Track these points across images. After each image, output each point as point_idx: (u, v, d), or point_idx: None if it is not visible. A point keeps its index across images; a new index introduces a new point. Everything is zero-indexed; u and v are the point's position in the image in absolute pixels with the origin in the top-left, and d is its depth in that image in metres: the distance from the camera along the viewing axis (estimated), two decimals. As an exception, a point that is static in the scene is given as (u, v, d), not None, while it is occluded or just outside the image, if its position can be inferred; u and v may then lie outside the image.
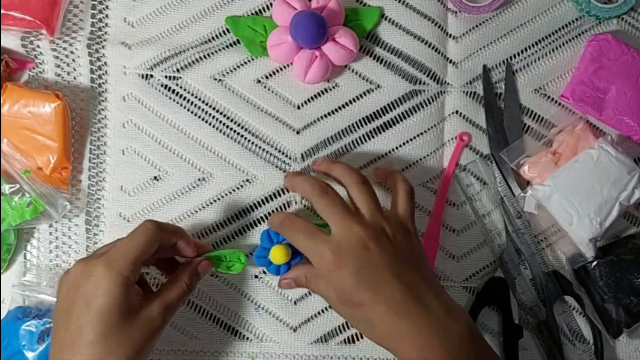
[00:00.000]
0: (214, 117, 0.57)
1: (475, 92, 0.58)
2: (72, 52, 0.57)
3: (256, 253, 0.52)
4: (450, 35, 0.58)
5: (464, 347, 0.44)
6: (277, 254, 0.51)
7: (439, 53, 0.58)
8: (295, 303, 0.57)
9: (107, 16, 0.57)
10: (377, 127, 0.58)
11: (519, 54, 0.58)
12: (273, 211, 0.57)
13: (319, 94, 0.58)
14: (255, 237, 0.57)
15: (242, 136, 0.57)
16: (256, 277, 0.57)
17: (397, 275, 0.45)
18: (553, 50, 0.59)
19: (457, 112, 0.58)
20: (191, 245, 0.50)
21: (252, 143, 0.57)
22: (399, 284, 0.45)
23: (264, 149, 0.57)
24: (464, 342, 0.44)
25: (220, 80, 0.57)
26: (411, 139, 0.58)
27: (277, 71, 0.57)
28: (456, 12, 0.58)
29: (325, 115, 0.58)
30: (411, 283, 0.45)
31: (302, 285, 0.50)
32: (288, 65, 0.57)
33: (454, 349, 0.44)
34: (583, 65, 0.56)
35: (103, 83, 0.57)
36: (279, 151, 0.57)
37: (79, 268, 0.45)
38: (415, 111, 0.58)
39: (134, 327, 0.44)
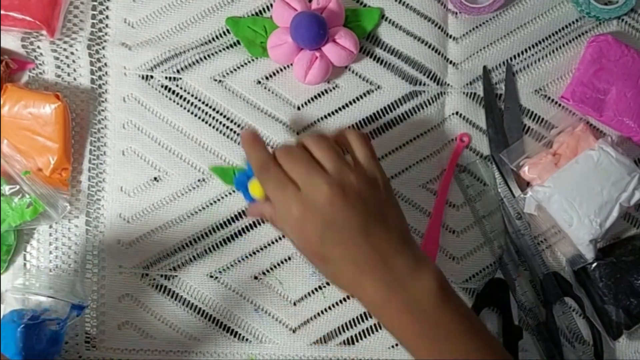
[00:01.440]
0: (214, 118, 0.57)
1: (475, 93, 0.58)
2: (72, 53, 0.57)
3: (239, 177, 0.52)
4: (450, 36, 0.58)
5: (427, 304, 0.44)
6: (256, 188, 0.50)
7: (439, 54, 0.58)
8: (294, 304, 0.57)
9: (107, 17, 0.57)
10: (377, 128, 0.58)
11: (519, 55, 0.58)
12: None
13: (319, 94, 0.58)
14: (255, 238, 0.57)
15: (242, 137, 0.57)
16: (255, 278, 0.57)
17: (363, 232, 0.45)
18: (553, 52, 0.58)
19: (457, 113, 0.58)
20: None
21: (252, 144, 0.57)
22: (364, 241, 0.45)
23: (264, 150, 0.57)
24: (428, 299, 0.44)
25: (220, 81, 0.57)
26: (411, 140, 0.58)
27: (277, 72, 0.57)
28: (456, 13, 0.58)
29: (326, 116, 0.58)
30: (376, 240, 0.45)
31: (268, 221, 0.51)
32: (288, 66, 0.57)
33: (415, 304, 0.44)
34: (583, 67, 0.56)
35: (103, 84, 0.57)
36: (279, 152, 0.57)
37: None
38: (416, 112, 0.58)
39: None
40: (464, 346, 0.45)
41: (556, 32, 0.59)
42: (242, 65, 0.57)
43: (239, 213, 0.57)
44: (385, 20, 0.58)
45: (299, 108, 0.57)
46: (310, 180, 0.46)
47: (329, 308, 0.57)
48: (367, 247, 0.45)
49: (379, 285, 0.45)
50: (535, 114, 0.58)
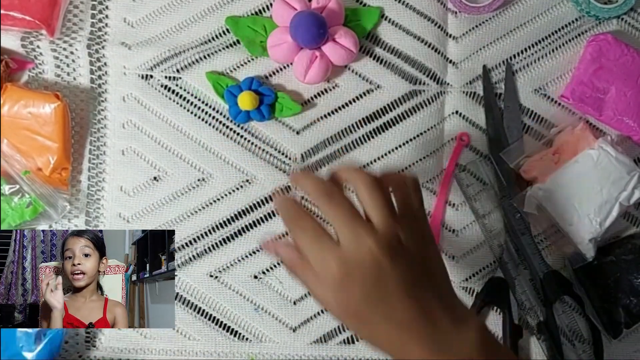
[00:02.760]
0: (214, 117, 0.57)
1: (475, 93, 0.58)
2: (72, 53, 0.57)
3: (230, 88, 0.55)
4: (450, 36, 0.58)
5: (472, 356, 0.42)
6: (245, 101, 0.52)
7: (438, 53, 0.58)
8: (294, 303, 0.57)
9: (107, 16, 0.57)
10: (377, 128, 0.58)
11: (518, 54, 0.58)
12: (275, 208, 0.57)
13: (319, 94, 0.58)
14: (255, 237, 0.57)
15: (242, 137, 0.57)
16: (255, 277, 0.57)
17: (410, 292, 0.42)
18: (553, 51, 0.59)
19: (457, 112, 0.58)
20: None
21: (252, 143, 0.57)
22: (410, 303, 0.42)
23: (263, 150, 0.57)
24: (473, 352, 0.42)
25: (220, 80, 0.57)
26: (411, 139, 0.58)
27: (277, 71, 0.57)
28: (456, 13, 0.58)
29: (325, 116, 0.58)
30: (423, 300, 0.42)
31: (291, 271, 0.44)
32: (288, 65, 0.57)
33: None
34: (583, 66, 0.56)
35: (103, 83, 0.57)
36: (279, 151, 0.57)
37: None
38: (415, 111, 0.58)
39: None
40: None
41: (556, 32, 0.59)
42: (241, 65, 0.57)
43: (239, 212, 0.57)
44: (385, 19, 0.58)
45: (298, 107, 0.58)
46: (356, 237, 0.41)
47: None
48: (413, 307, 0.42)
49: (426, 346, 0.42)
50: (535, 113, 0.58)
